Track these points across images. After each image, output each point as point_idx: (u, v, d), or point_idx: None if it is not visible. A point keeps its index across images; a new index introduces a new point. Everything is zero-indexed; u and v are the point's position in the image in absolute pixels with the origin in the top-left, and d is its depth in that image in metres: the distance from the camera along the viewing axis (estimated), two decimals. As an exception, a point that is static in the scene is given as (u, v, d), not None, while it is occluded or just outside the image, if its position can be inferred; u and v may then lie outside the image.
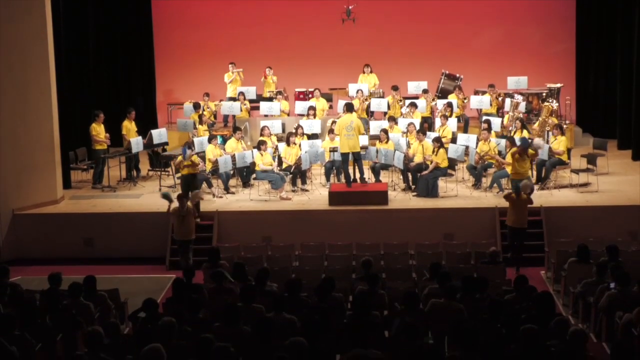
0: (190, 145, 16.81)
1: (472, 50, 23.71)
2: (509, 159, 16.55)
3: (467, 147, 18.07)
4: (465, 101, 20.68)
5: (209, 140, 18.28)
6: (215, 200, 17.42)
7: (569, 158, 17.86)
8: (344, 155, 17.30)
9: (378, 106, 20.74)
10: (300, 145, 18.16)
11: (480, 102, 20.70)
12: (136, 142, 18.64)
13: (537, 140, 14.92)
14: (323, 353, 8.65)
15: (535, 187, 17.03)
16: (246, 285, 10.93)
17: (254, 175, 17.82)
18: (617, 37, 21.42)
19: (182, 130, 20.30)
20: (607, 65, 22.26)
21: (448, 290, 10.53)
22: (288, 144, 18.08)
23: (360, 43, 23.40)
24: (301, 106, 20.72)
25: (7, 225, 16.70)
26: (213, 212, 16.60)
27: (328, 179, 18.29)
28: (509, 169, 16.61)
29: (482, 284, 10.96)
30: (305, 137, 18.83)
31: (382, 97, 21.16)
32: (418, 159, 17.57)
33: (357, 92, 20.77)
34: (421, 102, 20.33)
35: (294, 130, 18.58)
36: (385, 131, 18.22)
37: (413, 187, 17.59)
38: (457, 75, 21.85)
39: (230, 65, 22.34)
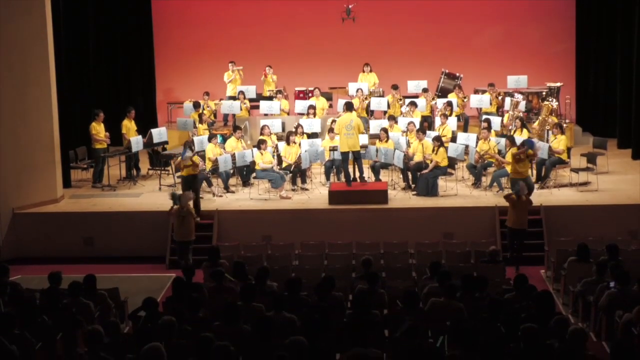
0: (190, 145, 16.81)
1: (472, 49, 23.72)
2: (508, 158, 16.55)
3: (467, 146, 18.08)
4: (465, 100, 20.68)
5: (209, 139, 18.30)
6: (215, 199, 17.43)
7: (568, 157, 17.86)
8: (344, 154, 17.31)
9: (378, 105, 20.74)
10: (300, 144, 18.16)
11: (480, 101, 20.70)
12: (136, 141, 18.64)
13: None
14: (323, 352, 8.65)
15: (535, 186, 17.06)
16: (246, 284, 10.93)
17: (253, 174, 17.83)
18: (617, 36, 21.42)
19: (182, 129, 20.31)
20: (607, 64, 22.26)
21: (448, 289, 10.54)
22: (288, 143, 18.08)
23: (360, 42, 23.42)
24: (301, 105, 20.73)
25: (7, 224, 16.71)
26: (213, 211, 16.60)
27: (328, 178, 18.29)
28: (508, 168, 16.61)
29: (482, 283, 10.97)
30: (305, 136, 18.83)
31: (382, 96, 21.16)
32: (418, 158, 17.57)
33: (357, 91, 20.77)
34: (421, 101, 20.34)
35: (293, 129, 18.58)
36: (385, 130, 18.22)
37: (413, 186, 17.59)
38: (457, 74, 21.85)
39: (230, 64, 22.34)
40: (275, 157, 18.09)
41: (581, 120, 22.85)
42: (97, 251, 16.56)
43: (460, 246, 14.73)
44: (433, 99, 20.74)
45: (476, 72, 22.44)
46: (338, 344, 9.12)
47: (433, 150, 17.29)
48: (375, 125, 19.13)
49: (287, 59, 23.43)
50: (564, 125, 19.27)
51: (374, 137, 18.80)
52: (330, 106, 21.81)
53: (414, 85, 21.52)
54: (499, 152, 17.49)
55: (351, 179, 17.32)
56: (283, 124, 19.88)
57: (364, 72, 21.91)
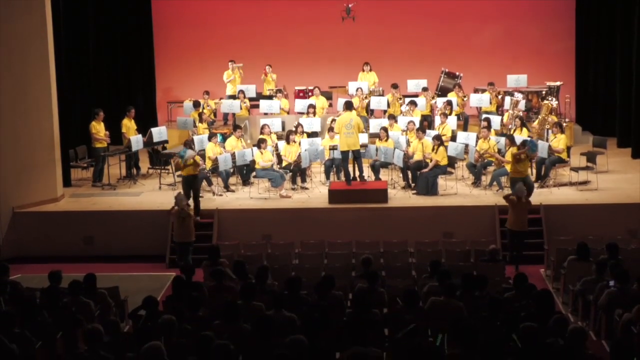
0: (190, 144, 16.80)
1: (472, 48, 23.72)
2: (508, 157, 16.56)
3: (466, 145, 18.09)
4: (465, 99, 20.68)
5: (209, 139, 18.32)
6: (215, 198, 17.44)
7: (568, 156, 17.87)
8: (344, 154, 17.32)
9: (378, 104, 20.75)
10: (300, 144, 18.18)
11: (480, 100, 20.71)
12: (136, 140, 18.65)
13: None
14: (323, 351, 8.65)
15: (535, 185, 17.06)
16: (246, 283, 10.94)
17: (254, 174, 17.85)
18: (617, 35, 21.42)
19: (182, 128, 20.32)
20: (607, 64, 22.27)
21: (448, 288, 10.54)
22: (288, 142, 18.09)
23: (360, 41, 23.43)
24: (301, 104, 20.74)
25: (7, 223, 16.73)
26: (213, 210, 16.61)
27: (328, 177, 18.30)
28: (508, 167, 16.62)
29: (482, 281, 10.97)
30: (305, 135, 18.84)
31: (382, 95, 21.16)
32: (418, 157, 17.58)
33: (357, 90, 20.77)
34: (421, 100, 20.35)
35: (293, 129, 18.59)
36: (385, 129, 18.24)
37: (413, 185, 17.60)
38: (457, 73, 21.85)
39: (229, 63, 22.33)
40: (275, 156, 18.10)
41: (581, 119, 22.86)
42: (97, 250, 16.57)
43: (460, 245, 14.74)
44: (433, 98, 20.74)
45: (476, 71, 22.45)
46: (338, 342, 9.12)
47: (433, 149, 17.29)
48: (375, 125, 19.14)
49: (287, 58, 23.44)
50: (564, 124, 19.29)
51: (373, 136, 18.81)
52: (330, 105, 21.81)
53: (414, 84, 21.52)
54: (499, 151, 17.49)
55: (351, 178, 17.32)
56: (283, 123, 19.89)
57: (363, 71, 21.91)
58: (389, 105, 20.63)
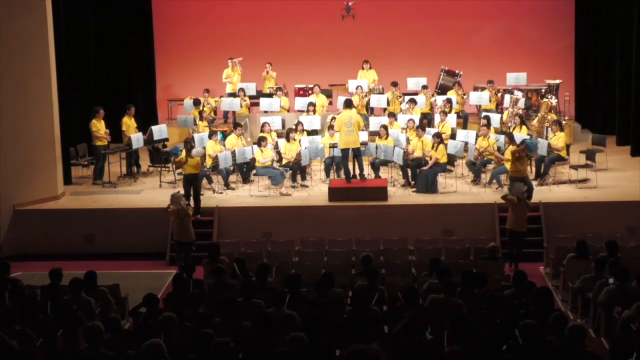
0: (191, 143, 16.81)
1: (472, 46, 23.72)
2: (508, 155, 16.57)
3: (466, 143, 18.11)
4: (465, 97, 20.70)
5: (209, 136, 18.35)
6: (215, 196, 17.46)
7: (567, 154, 17.90)
8: (344, 151, 17.33)
9: (377, 102, 20.75)
10: (300, 141, 18.20)
11: (480, 98, 20.73)
12: (136, 138, 18.67)
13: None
14: (323, 348, 8.67)
15: (534, 183, 17.08)
16: (246, 281, 10.97)
17: (254, 171, 17.87)
18: (616, 33, 21.42)
19: (182, 126, 20.35)
20: (606, 62, 22.27)
21: (447, 286, 10.56)
22: (288, 140, 18.12)
23: (360, 39, 23.41)
24: (301, 102, 20.74)
25: (8, 221, 16.75)
26: (213, 208, 16.64)
27: (328, 175, 18.32)
28: (508, 165, 16.62)
29: (482, 279, 10.99)
30: (305, 133, 18.87)
31: (382, 93, 21.17)
32: (417, 155, 17.59)
33: (357, 88, 20.78)
34: (420, 98, 20.36)
35: (293, 127, 18.61)
36: (384, 127, 18.26)
37: (412, 182, 17.62)
38: (457, 71, 21.87)
39: (229, 61, 22.33)
40: (275, 154, 18.11)
41: (580, 117, 22.86)
42: (98, 248, 16.59)
43: (460, 243, 14.76)
44: (432, 96, 20.75)
45: (475, 69, 22.44)
46: (338, 340, 9.15)
47: (432, 147, 17.32)
48: (375, 123, 19.17)
49: (287, 56, 23.42)
50: (563, 122, 19.31)
51: (373, 134, 18.83)
52: (330, 103, 21.82)
53: (414, 83, 21.54)
54: (498, 149, 17.51)
55: (351, 175, 17.34)
56: (283, 121, 19.90)
57: (363, 69, 21.93)
58: (388, 103, 20.65)
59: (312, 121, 19.46)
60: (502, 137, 17.72)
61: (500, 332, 9.01)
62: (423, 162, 17.42)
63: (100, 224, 16.75)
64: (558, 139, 17.64)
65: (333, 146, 17.76)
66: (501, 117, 19.50)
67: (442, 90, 21.54)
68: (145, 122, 21.17)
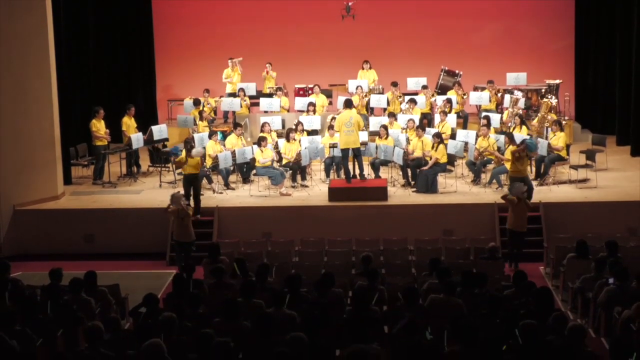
0: (191, 143, 16.80)
1: (472, 46, 23.72)
2: (508, 155, 16.57)
3: (466, 143, 18.12)
4: (465, 97, 20.70)
5: (209, 136, 18.35)
6: (215, 196, 17.47)
7: (567, 154, 17.90)
8: (344, 151, 17.33)
9: (377, 102, 20.75)
10: (300, 141, 18.20)
11: (480, 98, 20.73)
12: (136, 138, 18.68)
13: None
14: (323, 348, 8.68)
15: (534, 183, 17.08)
16: (246, 281, 10.97)
17: (254, 171, 17.87)
18: (616, 33, 21.42)
19: (183, 126, 20.36)
20: (606, 62, 22.27)
21: (447, 286, 10.56)
22: (288, 140, 18.12)
23: (360, 39, 23.41)
24: (301, 102, 20.75)
25: (8, 221, 16.76)
26: (213, 207, 16.64)
27: (328, 175, 18.32)
28: (508, 165, 16.62)
29: (481, 279, 11.00)
30: (305, 133, 18.87)
31: (382, 93, 21.17)
32: (417, 155, 17.59)
33: (357, 88, 20.79)
34: (420, 98, 20.37)
35: (293, 127, 18.62)
36: (384, 127, 18.27)
37: (412, 183, 17.62)
38: (457, 71, 21.87)
39: (229, 61, 22.33)
40: (275, 154, 18.11)
41: (580, 117, 22.86)
42: (98, 248, 16.60)
43: (460, 243, 14.76)
44: (432, 96, 20.75)
45: (475, 69, 22.45)
46: (338, 340, 9.15)
47: (432, 147, 17.32)
48: (375, 123, 19.17)
49: (287, 56, 23.43)
50: (563, 122, 19.31)
51: (373, 134, 18.83)
52: (330, 103, 21.82)
53: (414, 83, 21.54)
54: (498, 149, 17.51)
55: (351, 175, 17.34)
56: (283, 121, 19.90)
57: (363, 69, 21.93)
58: (388, 103, 20.65)
59: (312, 121, 19.47)
60: (502, 137, 17.72)
61: (500, 332, 9.01)
62: (423, 162, 17.42)
63: (100, 224, 16.76)
64: (558, 139, 17.64)
65: (333, 146, 17.77)
66: (501, 117, 19.51)
67: (442, 90, 21.55)
68: (145, 122, 21.18)
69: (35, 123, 16.99)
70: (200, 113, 20.15)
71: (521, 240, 15.01)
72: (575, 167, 17.75)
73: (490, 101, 20.61)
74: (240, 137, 18.48)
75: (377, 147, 17.95)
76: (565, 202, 16.52)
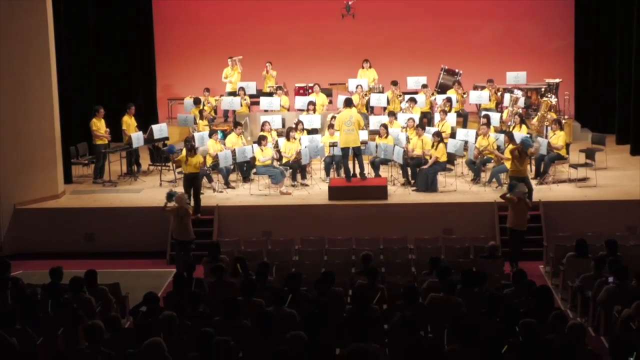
0: (191, 142, 16.79)
1: (472, 45, 23.72)
2: (507, 154, 16.58)
3: (466, 142, 18.12)
4: (465, 96, 20.71)
5: (210, 135, 18.37)
6: (216, 195, 17.48)
7: (567, 153, 17.91)
8: (344, 150, 17.34)
9: (377, 101, 20.76)
10: (300, 140, 18.22)
11: (480, 97, 20.74)
12: (137, 137, 18.69)
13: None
14: (323, 347, 8.69)
15: (534, 182, 17.08)
16: (246, 280, 10.98)
17: (254, 170, 17.89)
18: (616, 32, 21.43)
19: (183, 125, 20.37)
20: (606, 61, 22.28)
21: (447, 285, 10.58)
22: (288, 139, 18.13)
23: (360, 38, 23.42)
24: (301, 101, 20.75)
25: (8, 219, 16.78)
26: (213, 206, 16.65)
27: (328, 174, 18.34)
28: (507, 164, 16.63)
29: (481, 278, 11.01)
30: (305, 132, 18.88)
31: (382, 92, 21.18)
32: (417, 154, 17.60)
33: (357, 87, 20.80)
34: (420, 97, 20.37)
35: (294, 126, 18.63)
36: (384, 126, 18.27)
37: (412, 181, 17.63)
38: (456, 70, 21.88)
39: (229, 60, 22.34)
40: (275, 153, 18.12)
41: (580, 116, 22.87)
42: (98, 246, 16.61)
43: (460, 241, 14.77)
44: (432, 95, 20.76)
45: (475, 68, 22.45)
46: (338, 339, 9.16)
47: (432, 146, 17.33)
48: (375, 121, 19.18)
49: (287, 56, 23.43)
50: (563, 121, 19.32)
51: (373, 133, 18.84)
52: (330, 102, 21.83)
53: (414, 82, 21.55)
54: (498, 148, 17.52)
55: (351, 174, 17.35)
56: (283, 120, 19.91)
57: (363, 68, 21.94)
58: (388, 102, 20.66)
59: (312, 120, 19.48)
60: (501, 136, 17.72)
61: (500, 331, 9.03)
62: (423, 161, 17.43)
63: (101, 223, 16.77)
64: (558, 138, 17.65)
65: (333, 145, 17.77)
66: (501, 116, 19.51)
67: (442, 89, 21.56)
68: (146, 121, 21.20)
69: (35, 122, 17.01)
70: (201, 112, 20.16)
71: (521, 239, 15.01)
72: (575, 166, 17.76)
73: (490, 100, 20.62)
74: (241, 136, 18.50)
75: (377, 146, 17.96)
76: (565, 201, 16.53)
